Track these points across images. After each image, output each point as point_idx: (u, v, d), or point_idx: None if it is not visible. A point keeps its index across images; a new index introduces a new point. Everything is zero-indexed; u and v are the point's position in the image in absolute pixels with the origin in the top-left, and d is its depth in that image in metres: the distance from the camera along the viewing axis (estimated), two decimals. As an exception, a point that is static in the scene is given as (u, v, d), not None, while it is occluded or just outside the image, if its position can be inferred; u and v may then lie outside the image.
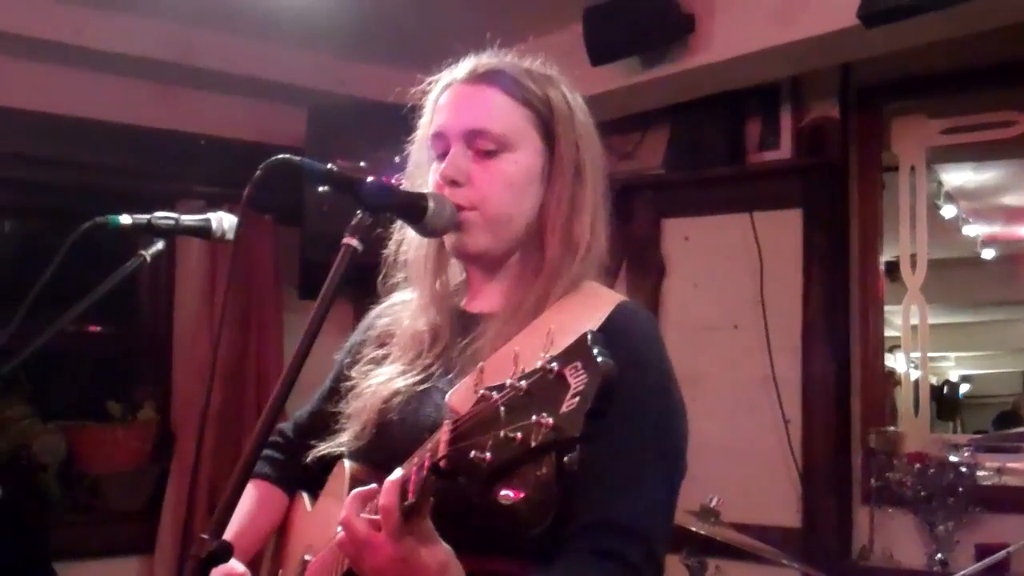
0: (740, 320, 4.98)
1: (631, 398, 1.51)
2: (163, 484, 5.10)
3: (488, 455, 1.23)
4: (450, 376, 1.79)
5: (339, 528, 1.56)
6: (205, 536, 1.43)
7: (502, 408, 1.24)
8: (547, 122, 1.86)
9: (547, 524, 1.34)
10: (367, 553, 1.50)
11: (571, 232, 1.83)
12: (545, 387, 1.20)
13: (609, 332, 1.57)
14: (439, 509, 1.52)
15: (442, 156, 1.85)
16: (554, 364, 1.20)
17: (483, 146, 1.82)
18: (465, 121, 1.83)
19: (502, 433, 1.21)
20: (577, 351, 1.20)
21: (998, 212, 7.66)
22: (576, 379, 1.17)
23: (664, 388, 1.76)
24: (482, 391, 1.29)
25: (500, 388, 1.26)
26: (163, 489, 5.09)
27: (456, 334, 1.87)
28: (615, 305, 1.77)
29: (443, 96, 1.90)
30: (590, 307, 1.76)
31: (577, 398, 1.16)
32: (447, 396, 1.50)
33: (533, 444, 1.18)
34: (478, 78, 1.87)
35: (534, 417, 1.18)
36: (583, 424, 1.14)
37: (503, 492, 1.24)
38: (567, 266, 1.82)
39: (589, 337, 1.20)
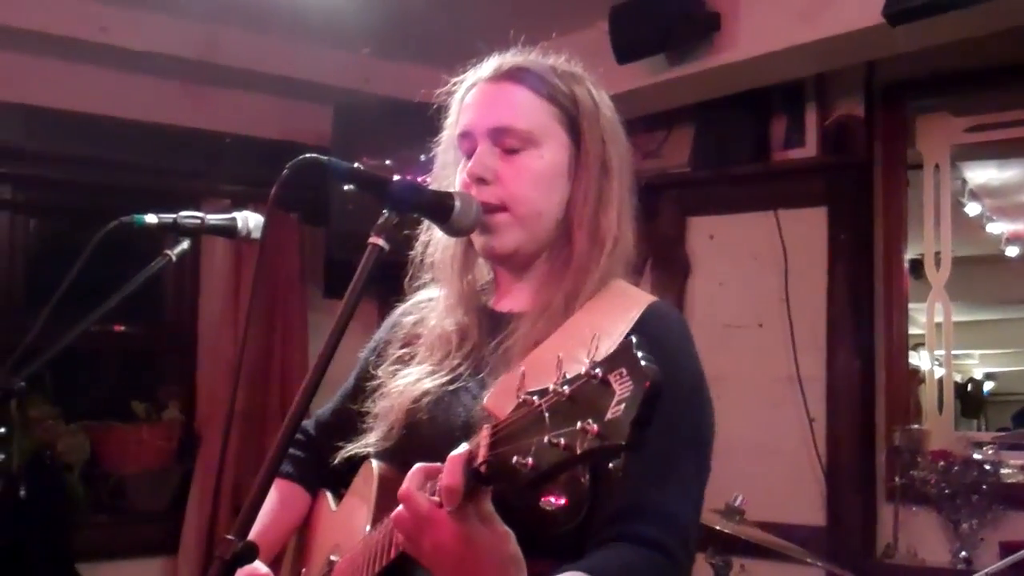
0: (765, 318, 4.97)
1: (665, 397, 1.51)
2: (187, 484, 5.12)
3: (530, 460, 1.22)
4: (480, 376, 1.79)
5: (362, 527, 1.55)
6: (230, 536, 1.42)
7: (545, 414, 1.23)
8: (573, 118, 1.86)
9: (577, 523, 1.36)
10: (429, 529, 1.43)
11: (598, 226, 1.83)
12: (589, 393, 1.19)
13: (642, 333, 1.57)
14: None
15: (469, 155, 1.85)
16: (598, 370, 1.19)
17: (509, 143, 1.82)
18: (491, 119, 1.83)
19: (546, 439, 1.20)
20: (622, 357, 1.19)
21: (1022, 210, 7.62)
22: (621, 386, 1.16)
23: (696, 388, 1.76)
24: (523, 396, 1.28)
25: (542, 393, 1.25)
26: (187, 489, 5.11)
27: (485, 334, 1.87)
28: (647, 305, 1.77)
29: (468, 95, 1.90)
30: (621, 307, 1.75)
31: (623, 405, 1.14)
32: (485, 399, 1.48)
33: (579, 451, 1.17)
34: (503, 76, 1.87)
35: (579, 424, 1.17)
36: (629, 432, 1.13)
37: (545, 498, 1.24)
38: (595, 260, 1.81)
39: (634, 343, 1.19)
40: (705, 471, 1.75)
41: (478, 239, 1.86)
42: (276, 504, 2.11)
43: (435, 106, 1.99)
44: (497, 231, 1.82)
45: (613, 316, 1.71)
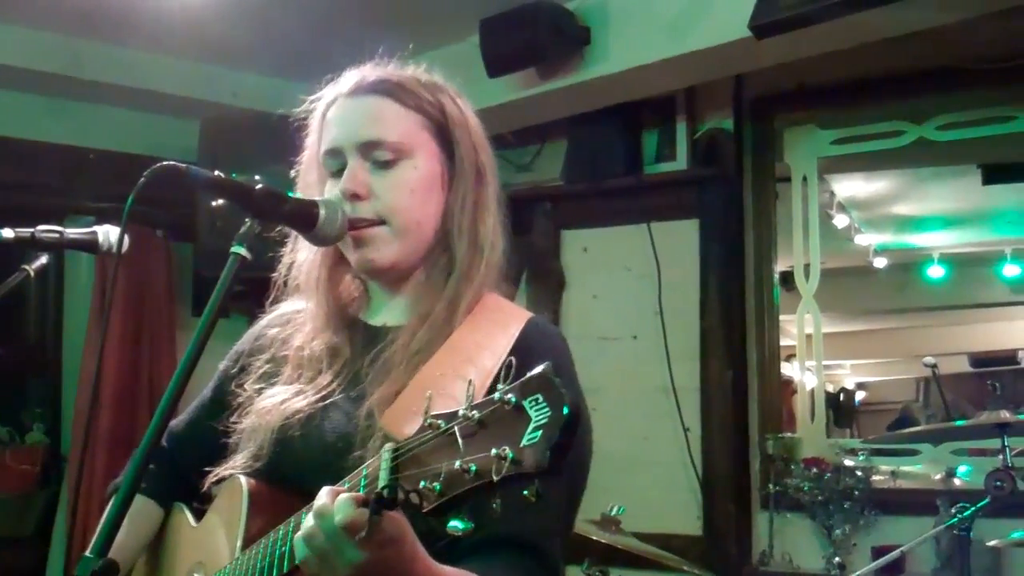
0: (639, 330, 5.00)
1: None
2: (54, 508, 4.98)
3: (439, 486, 1.20)
4: (356, 390, 1.75)
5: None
6: (89, 555, 1.38)
7: (456, 439, 1.21)
8: (442, 127, 1.83)
9: None
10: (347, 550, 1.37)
11: (477, 234, 1.82)
12: (502, 419, 1.18)
13: (523, 350, 1.57)
14: None
15: (337, 173, 1.81)
16: (511, 396, 1.18)
17: (381, 156, 1.78)
18: (359, 133, 1.79)
19: (456, 464, 1.19)
20: (537, 384, 1.17)
21: (889, 221, 7.81)
22: (538, 412, 1.15)
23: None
24: (429, 419, 1.25)
25: (450, 417, 1.23)
26: (53, 513, 4.97)
27: (359, 348, 1.83)
28: (525, 322, 1.75)
29: (330, 112, 1.86)
30: (500, 323, 1.74)
31: (540, 432, 1.14)
32: (380, 416, 1.43)
33: (494, 478, 1.15)
34: (366, 89, 1.83)
35: (493, 450, 1.16)
36: (548, 459, 1.12)
37: (453, 523, 1.22)
38: (476, 268, 1.80)
39: (550, 370, 1.18)
40: (577, 499, 1.77)
41: (354, 254, 1.81)
42: (128, 518, 2.01)
43: (303, 117, 1.95)
44: (374, 244, 1.79)
45: (493, 332, 1.70)
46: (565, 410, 1.13)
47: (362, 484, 1.36)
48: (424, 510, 1.23)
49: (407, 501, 1.25)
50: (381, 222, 1.79)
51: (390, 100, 1.81)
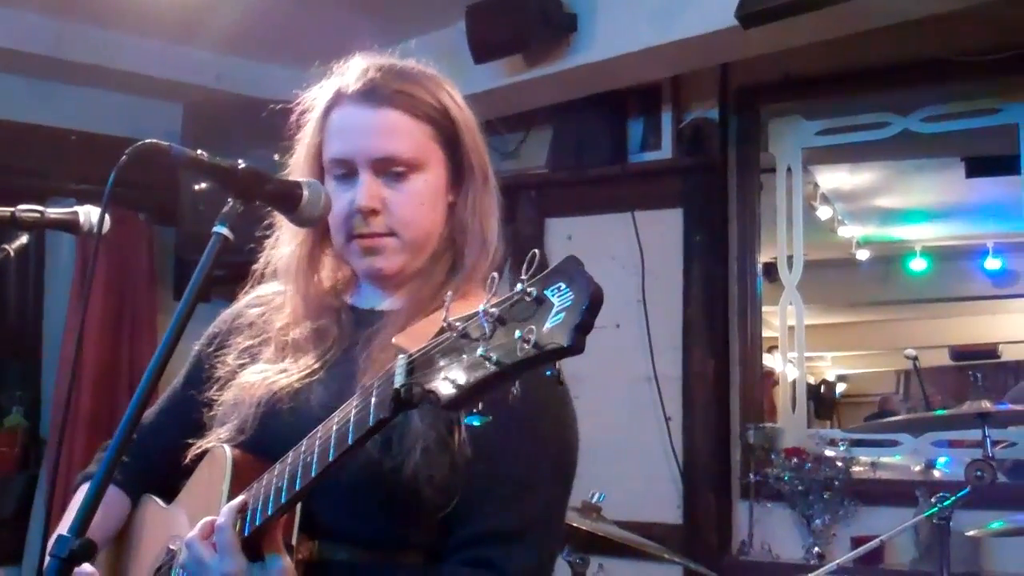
0: (622, 319, 4.99)
1: (526, 409, 1.51)
2: (32, 491, 4.97)
3: (457, 378, 1.19)
4: (348, 364, 1.75)
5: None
6: (66, 534, 1.37)
7: (477, 332, 1.20)
8: (447, 133, 1.83)
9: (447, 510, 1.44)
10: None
11: (486, 237, 1.84)
12: (524, 310, 1.17)
13: None
14: (351, 502, 1.58)
15: (342, 177, 1.80)
16: (532, 289, 1.17)
17: (394, 170, 1.78)
18: (374, 148, 1.78)
19: (478, 352, 1.18)
20: (559, 273, 1.17)
21: (872, 213, 7.82)
22: (560, 298, 1.15)
23: (559, 398, 1.76)
24: (447, 322, 1.24)
25: (468, 318, 1.22)
26: (32, 496, 4.95)
27: (348, 328, 1.84)
28: None
29: (337, 116, 1.83)
30: None
31: (563, 314, 1.13)
32: (394, 339, 1.44)
33: (519, 356, 1.14)
34: (379, 100, 1.80)
35: (517, 333, 1.15)
36: (572, 337, 1.11)
37: (469, 419, 1.23)
38: (481, 268, 1.81)
39: (573, 260, 1.17)
40: (569, 479, 1.78)
41: (361, 261, 1.82)
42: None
43: (289, 103, 1.92)
44: (384, 254, 1.80)
45: None
46: (589, 291, 1.13)
47: (374, 388, 1.37)
48: (442, 404, 1.21)
49: (426, 396, 1.24)
50: (391, 234, 1.79)
51: (402, 113, 1.79)
